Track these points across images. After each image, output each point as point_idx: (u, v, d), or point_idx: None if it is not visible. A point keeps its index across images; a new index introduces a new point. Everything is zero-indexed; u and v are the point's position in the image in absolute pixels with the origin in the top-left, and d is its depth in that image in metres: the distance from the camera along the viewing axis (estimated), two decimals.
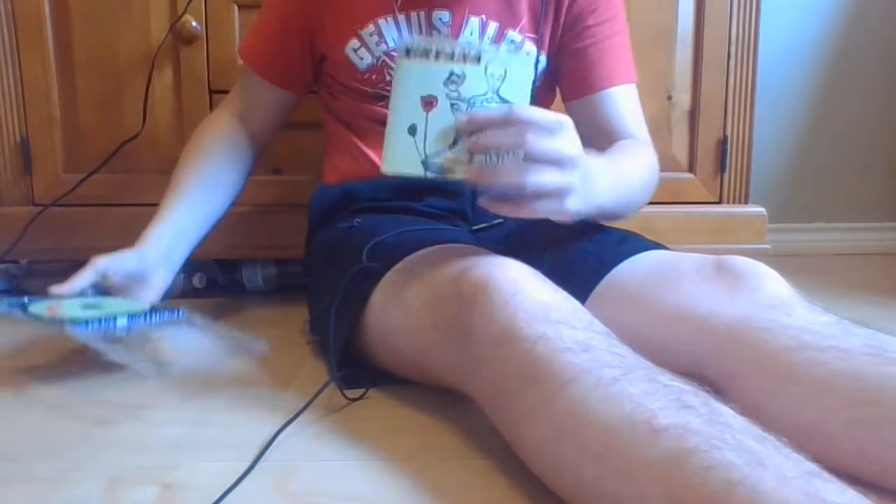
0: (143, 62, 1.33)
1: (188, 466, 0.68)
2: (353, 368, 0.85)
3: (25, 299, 0.89)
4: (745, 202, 1.43)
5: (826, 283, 1.58)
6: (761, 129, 1.61)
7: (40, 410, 0.82)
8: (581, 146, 0.74)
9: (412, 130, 0.74)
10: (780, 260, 1.75)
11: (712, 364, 0.73)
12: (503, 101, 0.74)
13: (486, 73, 0.74)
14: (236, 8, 1.32)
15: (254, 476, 0.65)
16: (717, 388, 0.73)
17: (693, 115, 1.41)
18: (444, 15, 0.98)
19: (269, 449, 0.70)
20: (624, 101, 1.01)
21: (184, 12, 1.30)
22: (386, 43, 0.97)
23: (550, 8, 1.00)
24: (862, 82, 1.91)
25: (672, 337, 0.76)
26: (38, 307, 0.87)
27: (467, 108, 0.74)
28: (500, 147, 0.70)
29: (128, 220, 1.35)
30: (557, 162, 0.71)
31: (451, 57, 0.74)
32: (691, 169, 1.42)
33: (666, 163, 1.41)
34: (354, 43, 0.99)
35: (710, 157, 1.42)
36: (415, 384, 0.85)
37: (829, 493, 0.45)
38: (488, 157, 0.70)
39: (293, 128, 1.21)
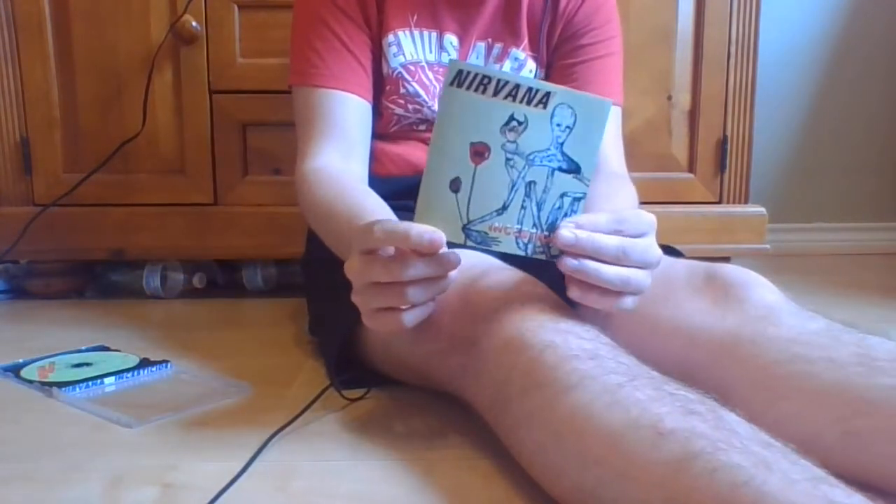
0: (143, 62, 1.33)
1: (188, 466, 0.68)
2: (354, 371, 0.85)
3: (20, 361, 0.96)
4: (745, 202, 1.43)
5: (826, 283, 1.58)
6: (761, 129, 1.60)
7: (40, 411, 0.82)
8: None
9: (455, 186, 0.61)
10: (780, 260, 1.76)
11: (703, 379, 0.73)
12: (566, 158, 0.62)
13: (552, 120, 0.61)
14: (236, 8, 1.32)
15: (254, 476, 0.65)
16: None
17: (693, 115, 1.41)
18: (454, 39, 0.99)
19: (270, 449, 0.70)
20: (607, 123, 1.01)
21: (184, 12, 1.30)
22: (403, 55, 0.98)
23: (546, 25, 1.01)
24: (861, 82, 1.91)
25: (663, 351, 0.76)
26: (31, 371, 0.93)
27: (525, 167, 0.61)
28: (603, 259, 0.64)
29: (128, 220, 1.36)
30: (646, 265, 0.68)
31: (514, 95, 0.60)
32: (691, 169, 1.42)
33: (666, 163, 1.42)
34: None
35: (710, 157, 1.42)
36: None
37: (836, 496, 0.45)
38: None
39: (293, 127, 1.21)
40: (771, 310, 0.73)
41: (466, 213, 0.62)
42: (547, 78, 1.03)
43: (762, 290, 0.76)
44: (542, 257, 0.66)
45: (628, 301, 0.67)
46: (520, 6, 1.00)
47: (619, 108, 1.03)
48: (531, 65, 1.02)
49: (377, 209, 0.83)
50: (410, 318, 0.66)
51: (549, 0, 1.00)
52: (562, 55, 1.02)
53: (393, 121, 1.00)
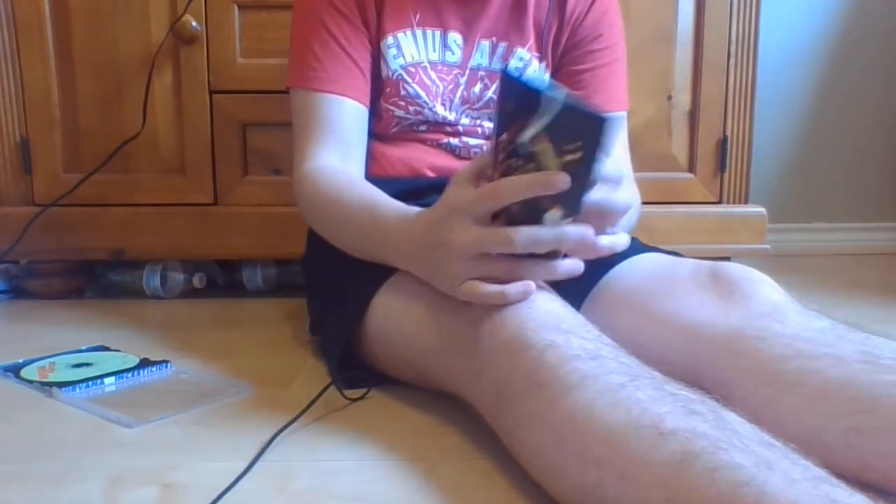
0: (143, 62, 1.33)
1: (188, 466, 0.68)
2: (354, 370, 0.85)
3: (20, 361, 0.96)
4: (745, 202, 1.43)
5: (826, 283, 1.58)
6: (761, 129, 1.61)
7: (40, 410, 0.82)
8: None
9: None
10: (780, 260, 1.76)
11: (707, 374, 0.73)
12: None
13: None
14: (236, 8, 1.32)
15: (254, 476, 0.65)
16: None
17: (693, 115, 1.41)
18: (458, 37, 0.99)
19: (270, 449, 0.70)
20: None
21: (184, 12, 1.30)
22: (403, 56, 0.98)
23: (554, 27, 1.01)
24: (861, 82, 1.91)
25: (667, 346, 0.76)
26: (31, 371, 0.93)
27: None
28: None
29: (128, 220, 1.36)
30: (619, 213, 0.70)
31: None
32: (691, 169, 1.42)
33: (666, 163, 1.42)
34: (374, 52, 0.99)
35: (710, 157, 1.42)
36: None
37: (837, 495, 0.45)
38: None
39: (292, 127, 1.21)
40: (776, 307, 0.73)
41: None
42: (555, 80, 1.04)
43: (767, 289, 0.76)
44: None
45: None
46: (526, 5, 0.99)
47: (624, 114, 1.03)
48: (536, 65, 1.01)
49: (390, 200, 0.83)
50: (515, 291, 0.66)
51: (554, 2, 1.00)
52: (569, 61, 1.02)
53: (393, 122, 1.00)
